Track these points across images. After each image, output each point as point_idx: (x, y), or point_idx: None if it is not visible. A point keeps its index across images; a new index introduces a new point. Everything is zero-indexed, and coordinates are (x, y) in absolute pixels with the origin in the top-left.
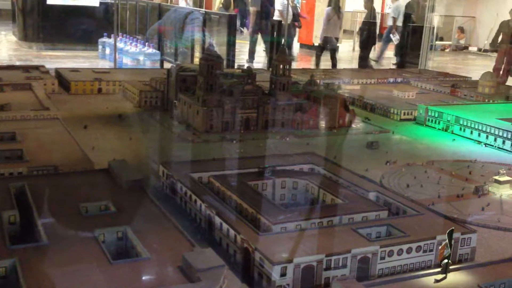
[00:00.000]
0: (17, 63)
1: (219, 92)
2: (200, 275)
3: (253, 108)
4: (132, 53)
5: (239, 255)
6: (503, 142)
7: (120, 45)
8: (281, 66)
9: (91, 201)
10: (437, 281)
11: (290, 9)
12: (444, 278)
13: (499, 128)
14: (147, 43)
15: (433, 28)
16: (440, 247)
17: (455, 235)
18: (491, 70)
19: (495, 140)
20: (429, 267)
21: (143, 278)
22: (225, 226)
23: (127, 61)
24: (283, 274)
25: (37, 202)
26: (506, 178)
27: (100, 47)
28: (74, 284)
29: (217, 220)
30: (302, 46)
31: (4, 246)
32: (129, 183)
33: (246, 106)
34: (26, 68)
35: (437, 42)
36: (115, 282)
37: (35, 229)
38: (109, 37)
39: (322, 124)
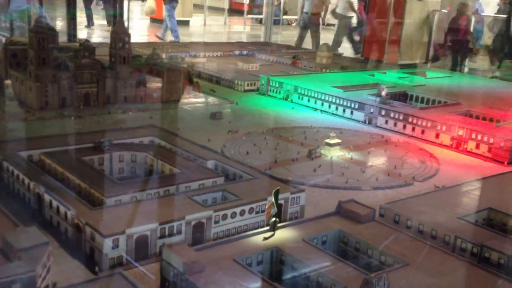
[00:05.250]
0: None
1: (53, 66)
2: (20, 254)
3: (92, 83)
4: None
5: (70, 232)
6: (336, 108)
7: None
8: (121, 38)
9: None
10: (265, 238)
11: None
12: (272, 235)
13: (332, 95)
14: None
15: (280, 3)
16: (266, 207)
17: (285, 195)
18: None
19: (329, 106)
20: (262, 227)
21: None
22: (55, 203)
23: None
24: (115, 246)
25: None
26: (336, 140)
27: None
28: None
29: (47, 198)
30: (153, 20)
31: None
32: None
33: (84, 81)
34: None
35: (284, 17)
36: None
37: None
38: None
39: (166, 97)
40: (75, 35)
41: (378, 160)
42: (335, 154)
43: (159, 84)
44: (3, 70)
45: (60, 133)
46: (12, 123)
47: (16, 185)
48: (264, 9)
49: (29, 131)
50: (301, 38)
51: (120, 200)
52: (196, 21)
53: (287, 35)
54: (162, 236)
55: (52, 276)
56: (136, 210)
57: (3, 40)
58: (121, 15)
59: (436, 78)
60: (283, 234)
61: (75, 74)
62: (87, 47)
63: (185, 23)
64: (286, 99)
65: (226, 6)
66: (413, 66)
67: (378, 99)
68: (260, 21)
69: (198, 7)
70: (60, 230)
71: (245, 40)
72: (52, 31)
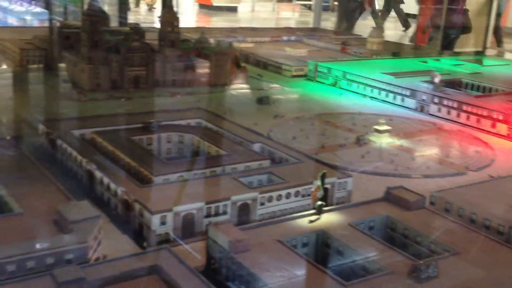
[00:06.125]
0: None
1: (105, 49)
2: (73, 226)
3: (141, 66)
4: (17, 12)
5: (120, 208)
6: (386, 95)
7: (3, 3)
8: (169, 22)
9: None
10: (311, 221)
11: None
12: (318, 218)
13: (383, 82)
14: (34, 2)
15: None
16: (312, 190)
17: (332, 179)
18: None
19: (379, 93)
20: (307, 211)
21: (14, 231)
22: (105, 180)
23: (12, 21)
24: (162, 223)
25: None
26: (386, 127)
27: None
28: None
29: (98, 175)
30: (201, 6)
31: None
32: (3, 140)
33: (134, 64)
34: None
35: (335, 3)
36: None
37: None
38: None
39: (213, 81)
40: (125, 19)
41: (429, 148)
42: (385, 141)
43: (207, 68)
44: (57, 53)
45: (111, 114)
46: (65, 103)
47: (69, 162)
48: None
49: (81, 111)
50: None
51: (168, 179)
52: (244, 7)
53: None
54: (208, 215)
55: (102, 249)
56: (183, 189)
57: (57, 24)
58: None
59: (493, 66)
60: (329, 218)
61: (126, 57)
62: (137, 30)
63: (233, 9)
64: (335, 85)
65: None
66: (472, 53)
67: (431, 86)
68: (309, 7)
69: None
70: (110, 206)
71: (293, 26)
72: (104, 15)
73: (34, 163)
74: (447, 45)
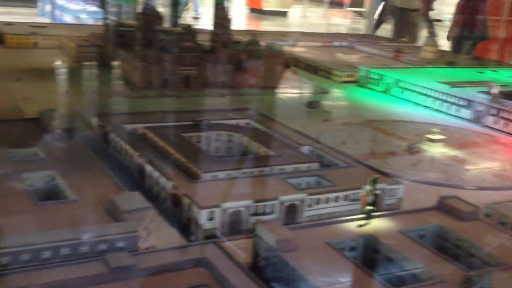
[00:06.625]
0: None
1: (158, 48)
2: (125, 215)
3: (192, 66)
4: (73, 11)
5: (169, 202)
6: (441, 105)
7: (60, 2)
8: (221, 24)
9: (20, 147)
10: (360, 226)
11: None
12: (367, 223)
13: (437, 91)
14: (89, 1)
15: None
16: (363, 194)
17: (382, 185)
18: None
19: (433, 102)
20: (356, 215)
21: (69, 217)
22: (156, 174)
23: (68, 19)
24: (210, 218)
25: None
26: (439, 137)
27: (40, 4)
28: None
29: (148, 168)
30: (252, 10)
31: None
32: (59, 131)
33: (186, 63)
34: None
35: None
36: (40, 222)
37: None
38: None
39: (263, 83)
40: (177, 20)
41: (484, 161)
42: (437, 150)
43: (257, 70)
44: (111, 50)
45: (161, 111)
46: (117, 99)
47: (120, 154)
48: (367, 2)
49: (132, 107)
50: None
51: (216, 176)
52: (295, 12)
53: (389, 29)
54: (255, 214)
55: (151, 240)
56: (231, 187)
57: (112, 23)
58: (222, 2)
59: None
60: (379, 224)
61: (178, 56)
62: (190, 31)
63: (283, 13)
64: (386, 93)
65: None
66: None
67: (488, 97)
68: (360, 14)
69: None
70: (159, 199)
71: (344, 32)
72: (158, 14)
73: (88, 154)
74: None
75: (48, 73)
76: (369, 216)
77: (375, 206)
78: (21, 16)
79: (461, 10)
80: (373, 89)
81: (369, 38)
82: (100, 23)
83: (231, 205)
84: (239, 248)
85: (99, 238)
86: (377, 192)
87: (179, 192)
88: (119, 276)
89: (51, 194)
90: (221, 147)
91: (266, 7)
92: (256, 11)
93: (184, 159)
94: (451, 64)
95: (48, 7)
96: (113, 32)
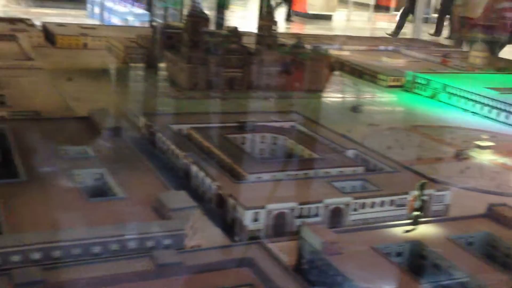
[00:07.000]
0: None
1: (204, 50)
2: (172, 214)
3: (238, 68)
4: (121, 13)
5: (213, 202)
6: (490, 111)
7: (109, 4)
8: (267, 27)
9: (71, 145)
10: (406, 231)
11: None
12: (414, 229)
13: (486, 97)
14: (136, 3)
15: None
16: (410, 199)
17: (429, 191)
18: None
19: (482, 108)
20: (402, 221)
21: (117, 214)
22: (201, 174)
23: (115, 21)
24: (255, 220)
25: (17, 144)
26: (488, 143)
27: (89, 6)
28: (49, 218)
29: (194, 168)
30: (296, 13)
31: None
32: (108, 130)
33: (231, 65)
34: (11, 21)
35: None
36: (91, 217)
37: (14, 168)
38: None
39: (307, 86)
40: (222, 23)
41: None
42: (486, 157)
43: (302, 73)
44: (158, 52)
45: (206, 112)
46: (164, 100)
47: (166, 154)
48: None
49: (178, 107)
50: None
51: (260, 177)
52: (340, 16)
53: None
54: (300, 216)
55: (197, 238)
56: (276, 188)
57: (159, 25)
58: (270, 5)
59: None
60: (426, 230)
61: (223, 58)
62: (236, 33)
63: (328, 17)
64: (433, 98)
65: (371, 2)
66: None
67: None
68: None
69: (343, 2)
70: (204, 199)
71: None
72: (206, 17)
73: (135, 153)
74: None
75: (97, 73)
76: (416, 221)
77: (422, 212)
78: (71, 18)
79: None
80: (420, 94)
81: (417, 42)
82: (146, 25)
83: (276, 206)
84: (283, 249)
85: (147, 235)
86: (425, 198)
87: (224, 193)
88: (165, 273)
89: (100, 191)
90: (266, 149)
91: (311, 10)
92: (301, 15)
93: (229, 160)
94: (501, 69)
95: (96, 9)
96: (160, 34)
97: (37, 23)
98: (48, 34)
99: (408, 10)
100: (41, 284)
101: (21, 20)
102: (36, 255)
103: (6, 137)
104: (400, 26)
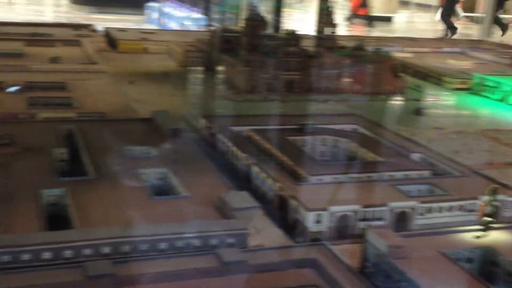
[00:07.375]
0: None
1: (262, 53)
2: (234, 213)
3: (296, 70)
4: (178, 18)
5: (275, 203)
6: None
7: (167, 9)
8: (326, 29)
9: (135, 145)
10: (477, 237)
11: None
12: (485, 235)
13: None
14: (193, 8)
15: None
16: (481, 204)
17: (501, 197)
18: None
19: None
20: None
21: (181, 212)
22: (262, 175)
23: (173, 26)
24: (317, 221)
25: (85, 143)
26: None
27: (147, 11)
28: (117, 214)
29: (255, 169)
30: (356, 16)
31: (55, 179)
32: (170, 131)
33: (290, 68)
34: (75, 26)
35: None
36: (156, 215)
37: (83, 166)
38: (157, 1)
39: (369, 89)
40: (278, 26)
41: None
42: None
43: (363, 76)
44: (216, 55)
45: (266, 114)
46: (222, 102)
47: (227, 155)
48: (480, 7)
49: (237, 110)
50: None
51: (322, 179)
52: (401, 17)
53: (508, 35)
54: (363, 219)
55: (259, 238)
56: (338, 191)
57: (217, 29)
58: (330, 7)
59: None
60: (498, 236)
61: (282, 61)
62: (294, 36)
63: (388, 19)
64: (503, 101)
65: (434, 3)
66: None
67: None
68: (471, 19)
69: (404, 4)
70: (265, 200)
71: (455, 38)
72: (264, 20)
73: (196, 153)
74: None
75: (157, 76)
76: (487, 227)
77: (494, 217)
78: (130, 23)
79: None
80: (488, 97)
81: (484, 44)
82: (204, 29)
83: (339, 209)
84: (345, 252)
85: (211, 234)
86: (496, 203)
87: (285, 194)
88: (230, 270)
89: (164, 190)
90: (327, 152)
91: (371, 12)
92: (361, 17)
93: (290, 161)
94: None
95: (155, 15)
96: (218, 38)
97: (99, 28)
98: (110, 39)
99: (448, 10)
100: (112, 276)
101: (84, 26)
102: (106, 249)
103: (75, 137)
104: (451, 26)
